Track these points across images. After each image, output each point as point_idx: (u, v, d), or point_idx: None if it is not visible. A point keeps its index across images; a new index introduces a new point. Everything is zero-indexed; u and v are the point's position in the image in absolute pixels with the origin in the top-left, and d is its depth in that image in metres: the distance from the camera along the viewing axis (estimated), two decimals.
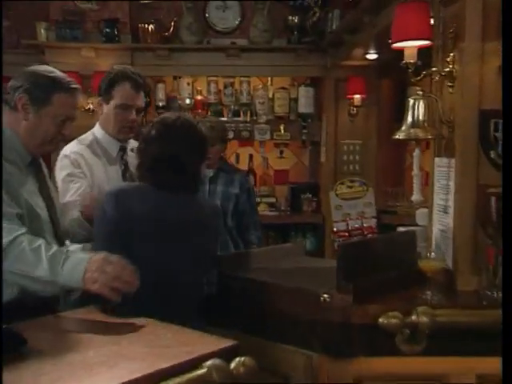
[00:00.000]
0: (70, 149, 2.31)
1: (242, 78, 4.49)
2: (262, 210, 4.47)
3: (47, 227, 1.85)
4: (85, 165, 2.28)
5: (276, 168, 4.88)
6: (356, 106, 4.32)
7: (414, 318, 1.65)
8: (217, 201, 2.84)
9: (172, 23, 4.22)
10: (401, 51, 2.02)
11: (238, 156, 4.72)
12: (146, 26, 4.15)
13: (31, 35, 4.30)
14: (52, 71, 1.89)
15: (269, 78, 4.62)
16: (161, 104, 4.42)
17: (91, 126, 4.26)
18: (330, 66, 4.30)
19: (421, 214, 2.17)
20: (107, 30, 4.08)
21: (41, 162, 1.95)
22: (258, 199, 4.60)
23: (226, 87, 4.47)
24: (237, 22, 4.44)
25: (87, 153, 2.32)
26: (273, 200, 4.65)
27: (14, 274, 1.61)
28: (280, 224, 4.49)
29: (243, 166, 4.70)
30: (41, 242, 1.64)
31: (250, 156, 4.73)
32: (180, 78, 4.46)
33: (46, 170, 1.98)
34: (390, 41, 2.06)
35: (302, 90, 4.50)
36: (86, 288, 1.55)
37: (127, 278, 1.54)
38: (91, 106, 4.19)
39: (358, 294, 1.69)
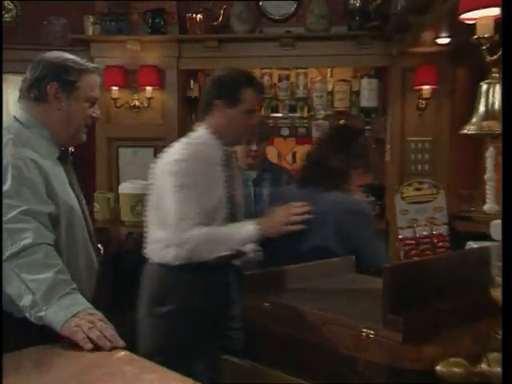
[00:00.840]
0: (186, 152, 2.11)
1: (298, 70, 4.16)
2: None
3: (80, 223, 1.75)
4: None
5: None
6: (425, 99, 3.86)
7: (483, 366, 1.27)
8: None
9: (221, 11, 3.95)
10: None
11: (294, 155, 4.39)
12: (194, 15, 3.91)
13: (80, 31, 4.21)
14: (66, 55, 1.78)
15: (328, 70, 4.25)
16: None
17: (137, 124, 4.16)
18: (396, 53, 3.86)
19: (496, 227, 1.76)
20: (153, 20, 3.88)
21: (69, 154, 1.86)
22: None
23: (280, 80, 4.15)
24: (292, 9, 4.11)
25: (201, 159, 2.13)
26: None
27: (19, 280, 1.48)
28: None
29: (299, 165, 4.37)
30: (59, 261, 1.54)
31: None
32: None
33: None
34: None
35: (365, 81, 4.09)
36: (63, 332, 1.40)
37: (109, 337, 1.39)
38: (137, 103, 4.01)
39: (410, 330, 1.32)
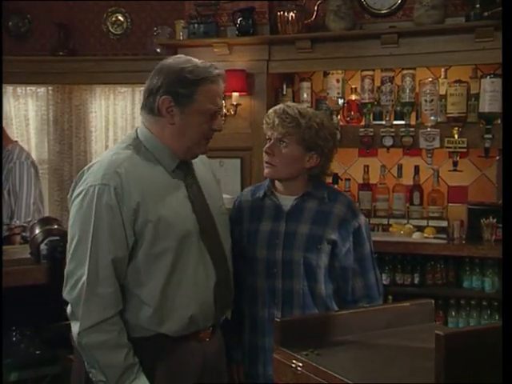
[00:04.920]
0: None
1: (404, 71, 3.63)
2: (428, 235, 3.56)
3: (193, 239, 1.63)
4: None
5: (451, 184, 3.89)
6: None
7: None
8: (296, 252, 1.87)
9: (315, 8, 3.57)
10: None
11: (400, 168, 3.85)
12: (286, 13, 3.57)
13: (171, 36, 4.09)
14: (189, 61, 1.64)
15: (442, 70, 3.67)
16: (306, 106, 3.78)
17: (223, 133, 3.89)
18: None
19: None
20: (242, 21, 3.61)
21: (191, 166, 1.76)
22: (425, 222, 3.71)
23: (383, 83, 3.66)
24: (399, 1, 3.62)
25: None
26: (443, 224, 3.67)
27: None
28: (449, 256, 3.50)
29: (407, 180, 3.84)
30: (126, 343, 1.53)
31: (416, 168, 3.83)
32: (329, 74, 3.78)
33: (201, 169, 1.80)
34: None
35: (487, 82, 3.44)
36: None
37: None
38: (224, 110, 3.75)
39: None
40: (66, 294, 1.53)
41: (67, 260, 1.54)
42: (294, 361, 1.24)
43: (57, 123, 4.94)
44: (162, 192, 1.60)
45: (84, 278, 1.49)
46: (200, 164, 1.81)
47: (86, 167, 1.65)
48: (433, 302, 1.50)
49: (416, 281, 3.53)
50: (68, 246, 1.56)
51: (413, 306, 1.48)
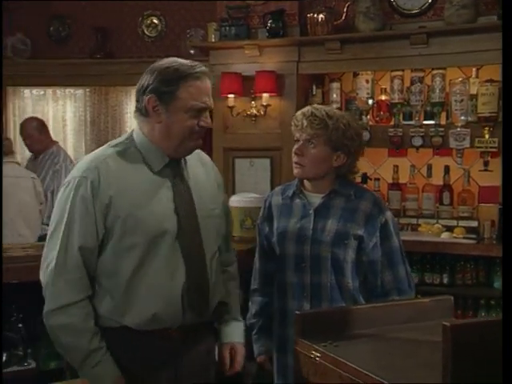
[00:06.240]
0: None
1: (434, 71, 3.63)
2: (457, 235, 3.55)
3: (168, 239, 1.62)
4: None
5: (482, 184, 3.86)
6: None
7: None
8: (324, 247, 1.93)
9: (345, 9, 3.61)
10: None
11: (430, 167, 3.85)
12: (316, 15, 3.62)
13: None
14: (175, 61, 1.65)
15: (473, 69, 3.66)
16: (335, 106, 3.82)
17: (253, 133, 3.98)
18: None
19: None
20: (272, 23, 3.67)
21: (180, 161, 1.73)
22: (455, 222, 3.70)
23: (413, 83, 3.66)
24: (429, 0, 3.61)
25: None
26: (474, 224, 3.66)
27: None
28: (479, 256, 3.48)
29: (437, 180, 3.83)
30: (91, 328, 1.59)
31: (446, 168, 3.81)
32: (358, 74, 3.81)
33: (197, 170, 1.78)
34: None
35: None
36: None
37: None
38: (254, 111, 3.83)
39: None
40: (40, 276, 1.63)
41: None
42: (312, 351, 1.29)
43: (94, 124, 5.11)
44: (140, 190, 1.62)
45: (53, 262, 1.57)
46: (199, 165, 1.79)
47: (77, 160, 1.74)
48: (452, 298, 1.53)
49: (445, 281, 3.53)
50: (48, 232, 1.66)
51: (432, 301, 1.51)
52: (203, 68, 1.65)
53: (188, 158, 1.74)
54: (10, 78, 4.80)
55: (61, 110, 5.22)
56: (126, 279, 1.59)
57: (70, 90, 5.20)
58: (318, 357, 1.28)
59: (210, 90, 1.65)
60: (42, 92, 5.22)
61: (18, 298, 2.21)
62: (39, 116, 4.95)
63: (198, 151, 1.78)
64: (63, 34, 5.14)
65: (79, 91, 5.19)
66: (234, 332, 1.86)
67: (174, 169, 1.69)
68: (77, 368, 1.60)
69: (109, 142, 1.76)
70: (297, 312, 1.38)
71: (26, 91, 5.22)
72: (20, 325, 2.35)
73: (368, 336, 1.38)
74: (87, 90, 5.17)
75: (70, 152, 5.03)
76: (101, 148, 1.72)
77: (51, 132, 5.03)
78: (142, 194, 1.62)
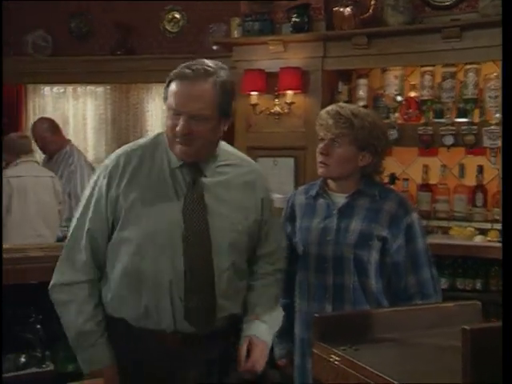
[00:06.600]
0: None
1: (467, 66, 3.61)
2: (491, 239, 3.51)
3: (165, 241, 1.66)
4: None
5: None
6: None
7: None
8: (347, 248, 1.94)
9: (372, 2, 3.61)
10: None
11: (462, 168, 3.82)
12: (342, 9, 3.63)
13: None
14: (185, 62, 1.70)
15: None
16: (361, 104, 3.82)
17: (277, 132, 4.00)
18: None
19: None
20: (297, 18, 3.69)
21: (199, 165, 1.72)
22: (488, 225, 3.66)
23: (444, 79, 3.64)
24: None
25: None
26: None
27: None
28: None
29: (470, 180, 3.79)
30: (90, 311, 1.68)
31: (479, 168, 3.78)
32: (386, 70, 3.80)
33: (233, 181, 1.77)
34: None
35: None
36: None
37: None
38: (278, 109, 3.85)
39: None
40: None
41: None
42: (331, 355, 1.31)
43: (114, 122, 5.19)
44: (148, 186, 1.67)
45: (66, 241, 1.73)
46: (237, 175, 1.78)
47: None
48: (479, 303, 1.53)
49: (478, 286, 3.50)
50: None
51: (456, 306, 1.51)
52: (189, 71, 1.63)
53: (226, 164, 1.77)
54: (30, 76, 4.93)
55: (81, 108, 5.31)
56: (121, 271, 1.67)
57: (90, 88, 5.29)
58: (336, 361, 1.29)
59: (189, 94, 1.63)
60: (62, 90, 5.33)
61: (37, 299, 2.28)
62: (59, 115, 5.07)
63: (249, 163, 1.85)
64: (84, 30, 5.24)
65: (100, 89, 5.27)
66: (255, 328, 1.79)
67: (191, 172, 1.71)
68: (73, 349, 1.71)
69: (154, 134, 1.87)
70: (315, 315, 1.39)
71: (47, 89, 5.34)
72: (38, 326, 2.42)
73: (389, 340, 1.39)
74: (108, 87, 5.25)
75: (90, 151, 5.12)
76: (138, 139, 1.85)
77: (71, 131, 5.16)
78: (148, 190, 1.67)
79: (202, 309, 1.69)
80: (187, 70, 1.64)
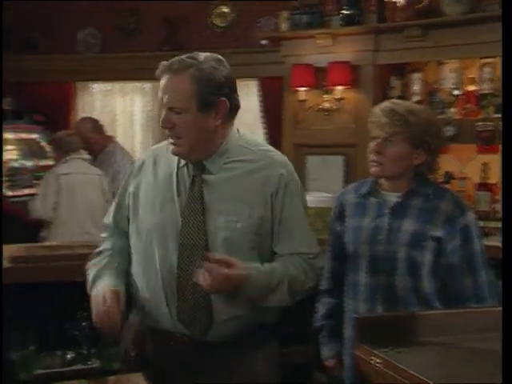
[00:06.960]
0: None
1: None
2: None
3: (161, 238, 1.74)
4: None
5: None
6: None
7: None
8: (399, 248, 1.92)
9: None
10: None
11: None
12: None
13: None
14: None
15: None
16: (415, 99, 3.79)
17: (326, 129, 4.02)
18: None
19: None
20: (347, 10, 3.70)
21: (205, 165, 1.73)
22: None
23: None
24: None
25: None
26: None
27: None
28: None
29: None
30: (101, 281, 1.82)
31: None
32: (443, 63, 3.76)
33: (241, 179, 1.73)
34: None
35: None
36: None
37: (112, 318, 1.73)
38: (327, 105, 3.87)
39: None
40: None
41: None
42: (372, 357, 1.33)
43: None
44: (155, 183, 1.78)
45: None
46: (247, 171, 1.74)
47: None
48: None
49: None
50: None
51: (481, 311, 1.51)
52: (171, 64, 1.66)
53: (237, 160, 1.74)
54: (79, 73, 5.11)
55: (129, 105, 5.45)
56: (133, 261, 1.84)
57: (138, 84, 5.42)
58: (378, 363, 1.32)
59: (167, 86, 1.66)
60: (110, 87, 5.50)
61: (83, 297, 2.38)
62: (107, 112, 5.22)
63: (267, 158, 1.74)
64: (131, 26, 5.39)
65: (147, 85, 5.39)
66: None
67: (194, 170, 1.74)
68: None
69: None
70: (356, 316, 1.42)
71: (95, 86, 5.52)
72: (84, 323, 2.53)
73: (435, 344, 1.40)
74: (155, 83, 5.36)
75: (137, 149, 5.25)
76: None
77: (120, 128, 5.30)
78: (155, 189, 1.77)
79: (196, 310, 1.69)
80: (170, 64, 1.67)
